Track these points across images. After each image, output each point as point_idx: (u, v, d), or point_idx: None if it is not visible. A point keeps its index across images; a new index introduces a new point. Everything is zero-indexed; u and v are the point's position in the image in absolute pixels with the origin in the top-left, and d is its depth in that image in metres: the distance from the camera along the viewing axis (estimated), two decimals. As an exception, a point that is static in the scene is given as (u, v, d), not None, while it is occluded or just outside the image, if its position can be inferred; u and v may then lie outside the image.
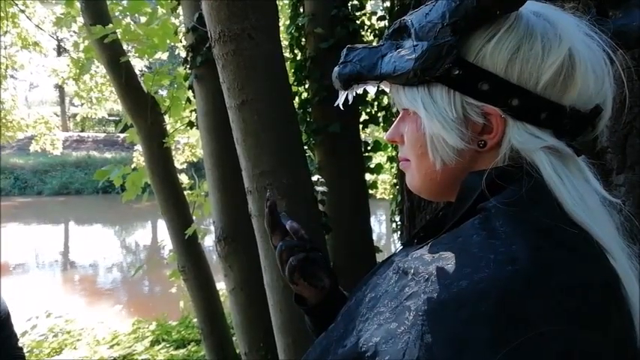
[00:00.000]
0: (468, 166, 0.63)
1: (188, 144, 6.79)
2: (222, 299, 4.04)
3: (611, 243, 0.57)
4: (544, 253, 0.51)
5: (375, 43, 0.75)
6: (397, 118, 0.71)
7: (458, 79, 0.59)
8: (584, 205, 0.58)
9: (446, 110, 0.60)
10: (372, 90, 0.72)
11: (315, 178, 2.91)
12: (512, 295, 0.48)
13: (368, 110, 3.53)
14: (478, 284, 0.49)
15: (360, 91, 0.70)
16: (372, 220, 3.88)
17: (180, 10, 3.48)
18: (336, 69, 0.68)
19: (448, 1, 0.58)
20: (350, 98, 0.70)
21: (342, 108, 0.73)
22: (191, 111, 3.71)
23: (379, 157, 3.92)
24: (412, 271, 0.56)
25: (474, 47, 0.59)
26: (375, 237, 3.79)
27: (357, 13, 3.37)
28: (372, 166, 3.59)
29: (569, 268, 0.51)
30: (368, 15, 3.64)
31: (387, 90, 0.70)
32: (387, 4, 3.40)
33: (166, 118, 3.98)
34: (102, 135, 25.32)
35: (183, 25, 3.40)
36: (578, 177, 0.60)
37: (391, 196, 4.33)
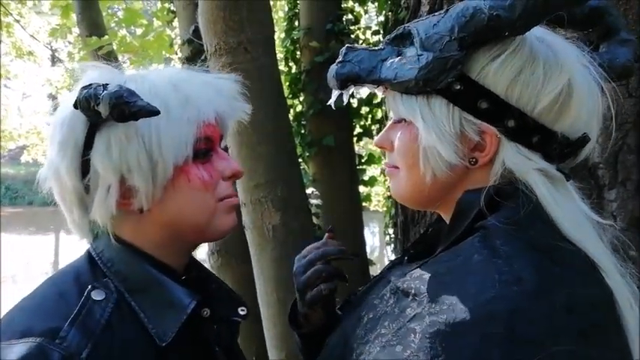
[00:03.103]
0: (458, 181, 0.64)
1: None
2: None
3: (606, 261, 0.58)
4: (547, 272, 0.51)
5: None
6: (388, 124, 0.70)
7: (458, 94, 0.59)
8: (577, 223, 0.58)
9: (444, 123, 0.60)
10: (364, 93, 0.71)
11: (309, 190, 2.91)
12: (521, 316, 0.48)
13: (362, 123, 3.54)
14: (485, 305, 0.49)
15: (351, 98, 0.69)
16: (366, 232, 3.87)
17: (176, 22, 3.49)
18: (334, 67, 0.66)
19: (458, 16, 0.58)
20: (344, 99, 0.69)
21: (333, 107, 0.72)
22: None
23: (373, 170, 3.93)
24: (413, 291, 0.55)
25: (477, 64, 0.59)
26: (368, 249, 3.79)
27: (352, 28, 3.40)
28: (366, 178, 3.60)
29: (572, 288, 0.51)
30: (362, 29, 3.67)
31: (380, 94, 0.69)
32: (381, 18, 3.43)
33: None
34: (95, 145, 25.17)
35: (178, 37, 3.41)
36: (568, 199, 0.61)
37: (384, 209, 4.33)
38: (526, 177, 0.59)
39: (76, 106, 0.66)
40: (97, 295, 0.66)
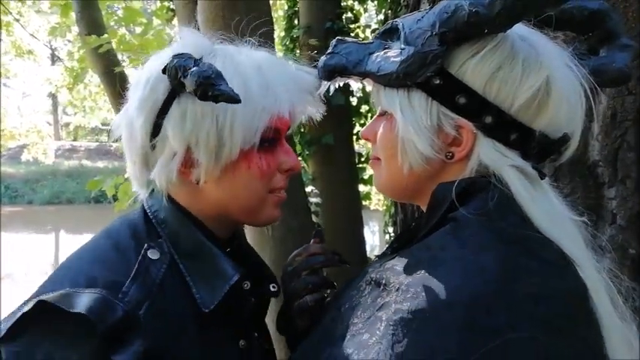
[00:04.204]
0: (435, 175, 0.65)
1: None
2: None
3: (580, 255, 0.58)
4: (513, 262, 0.52)
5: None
6: (375, 117, 0.72)
7: (438, 88, 0.61)
8: (552, 218, 0.59)
9: (421, 117, 0.61)
10: (354, 85, 0.72)
11: (308, 189, 2.91)
12: (481, 304, 0.49)
13: (362, 122, 3.55)
14: (449, 294, 0.50)
15: (350, 96, 0.71)
16: (366, 230, 3.87)
17: (175, 21, 3.49)
18: (323, 58, 0.68)
19: (440, 12, 0.59)
20: (331, 89, 0.71)
21: (323, 98, 0.73)
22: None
23: (373, 169, 3.95)
24: (384, 281, 0.57)
25: (457, 60, 0.60)
26: (368, 248, 3.79)
27: (352, 26, 3.41)
28: (366, 177, 3.60)
29: (538, 278, 0.52)
30: (362, 27, 3.67)
31: (369, 87, 0.71)
32: (381, 17, 3.43)
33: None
34: (94, 144, 25.16)
35: (178, 35, 3.41)
36: (543, 196, 0.62)
37: (384, 207, 4.34)
38: (501, 172, 0.60)
39: (164, 71, 0.67)
40: (153, 255, 0.69)
